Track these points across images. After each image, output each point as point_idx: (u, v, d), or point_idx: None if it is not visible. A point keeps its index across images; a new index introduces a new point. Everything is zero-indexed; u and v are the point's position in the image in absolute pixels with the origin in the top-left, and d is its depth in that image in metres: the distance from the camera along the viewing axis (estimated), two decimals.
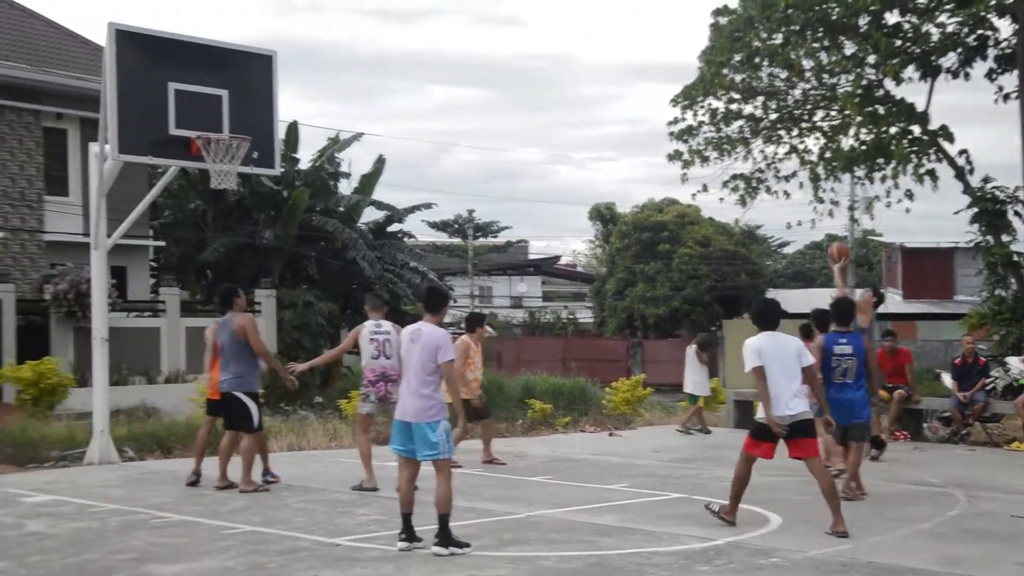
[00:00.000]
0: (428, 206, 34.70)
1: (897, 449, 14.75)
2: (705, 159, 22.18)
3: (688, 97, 21.89)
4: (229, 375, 10.97)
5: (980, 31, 19.80)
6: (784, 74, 20.99)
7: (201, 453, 11.54)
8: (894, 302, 41.48)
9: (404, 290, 30.32)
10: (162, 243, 28.46)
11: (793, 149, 22.01)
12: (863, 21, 19.83)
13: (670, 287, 43.74)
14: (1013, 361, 17.12)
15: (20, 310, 20.79)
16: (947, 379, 17.19)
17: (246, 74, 13.60)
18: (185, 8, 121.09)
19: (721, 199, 22.89)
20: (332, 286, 29.50)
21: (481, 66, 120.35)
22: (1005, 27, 19.69)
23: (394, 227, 33.24)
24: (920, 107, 19.91)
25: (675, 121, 22.30)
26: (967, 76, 20.19)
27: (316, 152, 31.45)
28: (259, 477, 11.28)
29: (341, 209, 30.40)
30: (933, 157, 20.03)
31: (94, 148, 13.64)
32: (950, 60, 20.07)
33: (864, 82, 19.86)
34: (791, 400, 8.86)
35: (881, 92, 20.07)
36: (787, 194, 22.42)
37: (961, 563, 7.90)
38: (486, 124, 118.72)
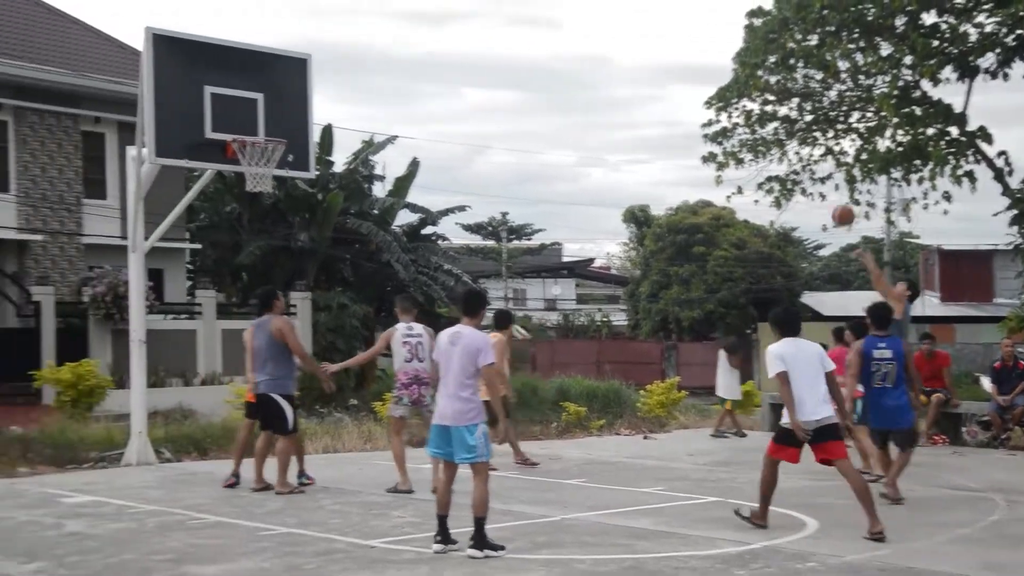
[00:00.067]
0: (462, 209, 34.77)
1: (936, 453, 14.62)
2: (740, 161, 22.09)
3: (722, 99, 21.81)
4: (265, 376, 11.03)
5: (1019, 31, 19.57)
6: (819, 75, 20.87)
7: (240, 455, 11.60)
8: (932, 305, 41.13)
9: (438, 292, 30.40)
10: (198, 246, 28.68)
11: (829, 151, 21.88)
12: (900, 22, 19.68)
13: (705, 290, 43.59)
14: None
15: (59, 312, 21.05)
16: (986, 383, 17.00)
17: (281, 77, 13.67)
18: (224, 9, 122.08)
19: (756, 201, 22.72)
20: (366, 288, 29.62)
21: (515, 68, 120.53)
22: None
23: (428, 230, 33.36)
24: (958, 108, 19.76)
25: (709, 123, 22.24)
26: (1006, 76, 19.98)
27: (350, 155, 31.68)
28: (295, 479, 11.33)
29: (375, 212, 30.52)
30: (971, 158, 19.85)
31: (131, 152, 13.76)
32: (988, 60, 19.88)
33: (900, 83, 19.72)
34: (817, 405, 8.83)
35: (918, 93, 19.92)
36: (823, 196, 22.27)
37: (1001, 569, 7.81)
38: (520, 126, 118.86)
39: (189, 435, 14.86)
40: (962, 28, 19.61)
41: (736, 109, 21.85)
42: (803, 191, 22.26)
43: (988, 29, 19.71)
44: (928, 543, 8.71)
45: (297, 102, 13.75)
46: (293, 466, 11.33)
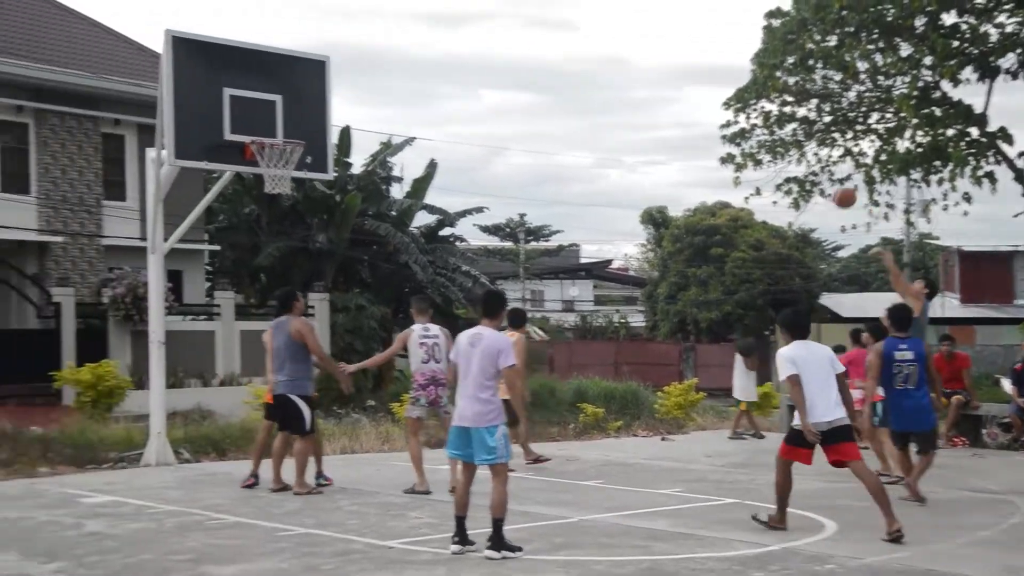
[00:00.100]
0: (479, 210, 34.76)
1: (956, 455, 14.53)
2: (758, 162, 22.03)
3: (741, 100, 21.76)
4: (284, 377, 11.06)
5: None
6: (838, 76, 20.79)
7: (259, 456, 11.63)
8: (952, 306, 40.93)
9: (456, 294, 30.42)
10: (217, 247, 28.78)
11: (847, 152, 21.80)
12: (919, 22, 19.58)
13: (723, 291, 43.50)
14: None
15: (79, 313, 21.17)
16: (1007, 384, 16.89)
17: (299, 79, 13.70)
18: (247, 9, 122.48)
19: (774, 202, 22.70)
20: (384, 290, 29.67)
21: (532, 69, 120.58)
22: None
23: (446, 231, 33.39)
24: (978, 109, 19.65)
25: (727, 124, 22.19)
26: None
27: (368, 157, 31.73)
28: (313, 480, 11.36)
29: (393, 213, 30.56)
30: (991, 159, 19.74)
31: (151, 153, 13.82)
32: (1009, 61, 19.75)
33: (920, 84, 19.62)
34: (829, 407, 8.80)
35: (938, 94, 19.82)
36: None
37: (1021, 572, 7.77)
38: (537, 128, 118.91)
39: (208, 436, 14.91)
40: (982, 28, 19.52)
41: (754, 110, 21.79)
42: (822, 192, 22.17)
43: (1009, 29, 19.60)
44: (948, 545, 8.67)
45: (315, 104, 13.78)
46: (311, 467, 11.36)
